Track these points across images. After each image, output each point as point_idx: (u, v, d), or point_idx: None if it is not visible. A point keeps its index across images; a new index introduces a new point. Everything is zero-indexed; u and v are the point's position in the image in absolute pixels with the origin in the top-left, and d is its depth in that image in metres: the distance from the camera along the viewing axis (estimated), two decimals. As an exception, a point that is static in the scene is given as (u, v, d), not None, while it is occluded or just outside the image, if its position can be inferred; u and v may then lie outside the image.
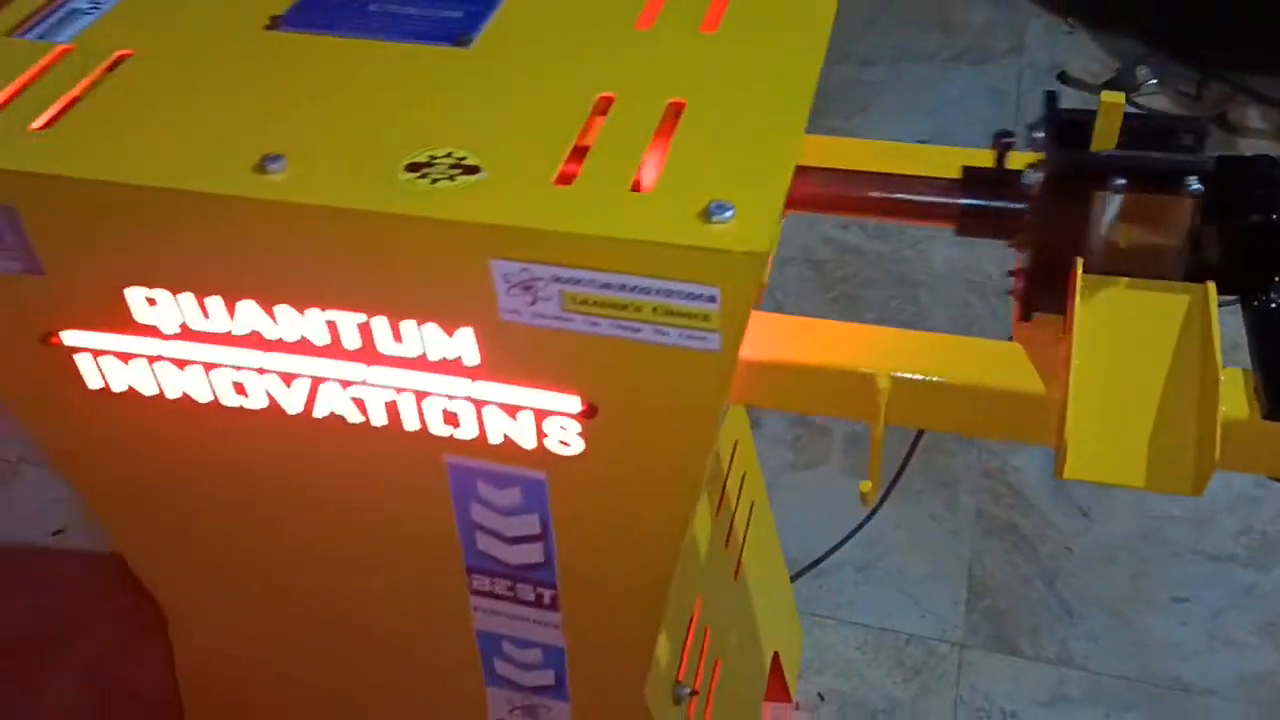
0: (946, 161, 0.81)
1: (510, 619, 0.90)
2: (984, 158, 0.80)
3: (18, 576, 1.57)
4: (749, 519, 1.23)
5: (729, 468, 1.16)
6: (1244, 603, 1.45)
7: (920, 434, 1.67)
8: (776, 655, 1.32)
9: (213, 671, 1.05)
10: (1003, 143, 0.78)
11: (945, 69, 2.40)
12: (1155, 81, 2.26)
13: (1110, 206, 0.74)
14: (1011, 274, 0.79)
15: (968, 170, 0.79)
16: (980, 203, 0.79)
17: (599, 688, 0.94)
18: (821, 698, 1.39)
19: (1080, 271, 0.73)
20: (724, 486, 1.15)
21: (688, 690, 1.00)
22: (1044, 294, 0.76)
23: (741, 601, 1.21)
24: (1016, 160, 0.79)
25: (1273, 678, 1.37)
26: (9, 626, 1.51)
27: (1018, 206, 0.76)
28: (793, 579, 1.47)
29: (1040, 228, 0.76)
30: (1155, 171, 0.72)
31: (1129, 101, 2.09)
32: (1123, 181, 0.72)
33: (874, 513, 1.57)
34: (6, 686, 1.44)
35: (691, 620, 1.04)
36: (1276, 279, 0.74)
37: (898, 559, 1.53)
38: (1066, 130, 0.76)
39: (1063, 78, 2.33)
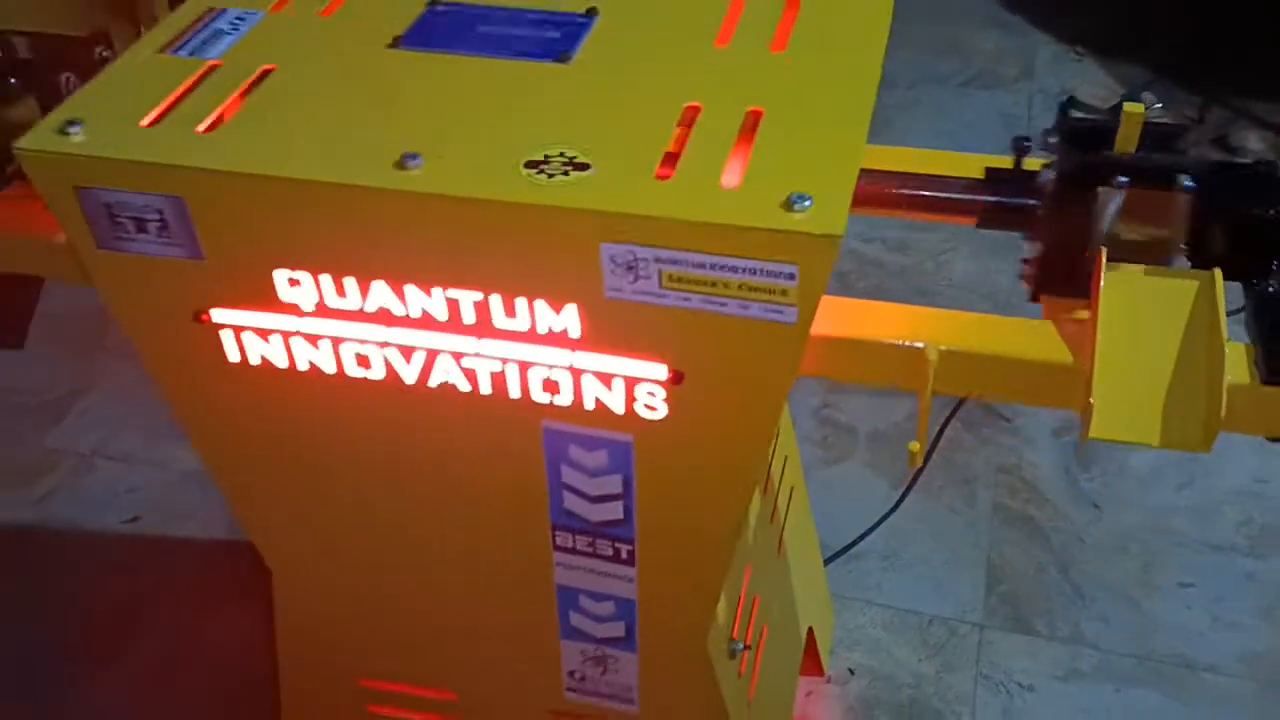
0: (970, 165, 0.92)
1: (588, 573, 1.01)
2: (1003, 161, 0.92)
3: (96, 559, 1.68)
4: (790, 500, 1.34)
5: (773, 452, 1.27)
6: (1244, 588, 1.56)
7: (940, 433, 1.78)
8: (811, 631, 1.43)
9: (311, 622, 1.16)
10: (1021, 146, 0.90)
11: (959, 93, 2.52)
12: (1160, 106, 2.37)
13: (1114, 202, 0.85)
14: (1024, 262, 0.90)
15: (990, 170, 0.90)
16: (1000, 199, 0.90)
17: (664, 640, 1.05)
18: (851, 672, 1.49)
19: (1104, 260, 0.84)
20: (769, 469, 1.25)
21: (741, 645, 1.11)
22: (1053, 280, 0.87)
23: (783, 575, 1.31)
24: (1032, 164, 0.91)
25: (1271, 655, 1.48)
26: (88, 604, 1.61)
27: (1032, 202, 0.88)
28: (827, 562, 1.57)
29: (1052, 221, 0.87)
30: (1153, 171, 0.84)
31: None
32: (1125, 179, 0.83)
33: (898, 505, 1.68)
34: (86, 659, 1.54)
35: (744, 585, 1.15)
36: (1274, 266, 0.84)
37: (921, 547, 1.63)
38: (1076, 136, 0.87)
39: (1071, 103, 2.45)
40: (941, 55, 2.65)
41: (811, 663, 1.47)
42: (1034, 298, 0.89)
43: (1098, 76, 2.54)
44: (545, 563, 1.01)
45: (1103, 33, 2.66)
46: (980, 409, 1.82)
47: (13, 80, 0.96)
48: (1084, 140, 0.88)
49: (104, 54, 0.97)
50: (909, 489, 1.70)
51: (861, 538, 1.64)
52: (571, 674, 1.11)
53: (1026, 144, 0.91)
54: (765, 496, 1.24)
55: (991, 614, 1.54)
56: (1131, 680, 1.46)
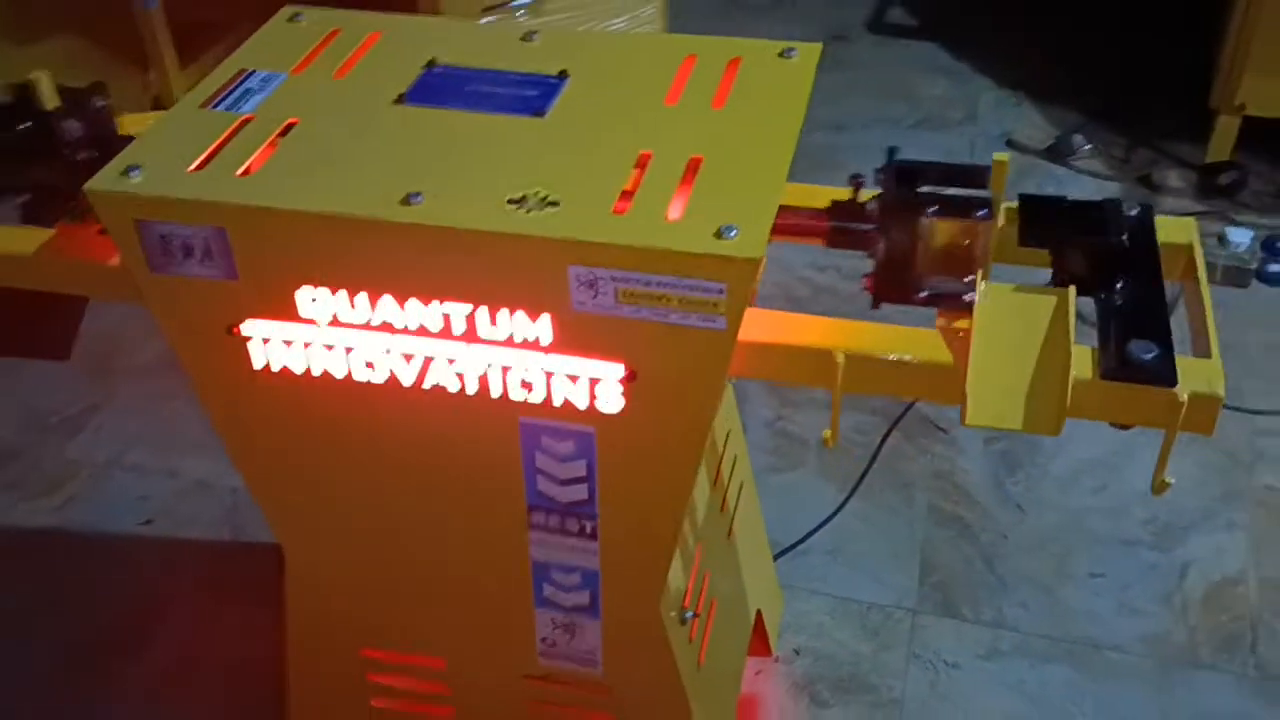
0: (819, 196, 1.11)
1: (559, 549, 1.18)
2: (845, 194, 1.10)
3: (113, 559, 1.83)
4: (739, 494, 1.51)
5: (723, 450, 1.45)
6: (1148, 578, 1.74)
7: (883, 443, 1.96)
8: (759, 614, 1.60)
9: (318, 597, 1.32)
10: (856, 182, 1.08)
11: (909, 134, 2.72)
12: (1089, 147, 2.59)
13: (929, 227, 1.03)
14: (865, 276, 1.08)
15: (834, 202, 1.09)
16: (840, 224, 1.08)
17: (623, 607, 1.21)
18: (797, 653, 1.66)
19: (980, 279, 1.03)
20: (719, 464, 1.43)
21: (691, 613, 1.28)
22: (887, 290, 1.06)
23: (732, 558, 1.49)
24: (866, 195, 1.09)
25: (1168, 637, 1.66)
26: (106, 601, 1.76)
27: (866, 227, 1.06)
28: (775, 558, 1.75)
29: (882, 241, 1.05)
30: (954, 203, 1.02)
31: (1067, 165, 2.45)
32: (935, 209, 1.02)
33: (842, 506, 1.86)
34: (106, 653, 1.69)
35: (695, 562, 1.32)
36: (1117, 285, 1.03)
37: (862, 544, 1.81)
38: (900, 174, 1.06)
39: (1010, 144, 2.66)
40: (893, 100, 2.86)
41: (761, 644, 1.64)
42: (875, 305, 1.08)
43: (1035, 120, 2.75)
44: (522, 539, 1.18)
45: (1040, 80, 2.87)
46: (919, 421, 2.01)
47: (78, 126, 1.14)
48: (904, 177, 1.06)
49: (99, 103, 1.14)
50: (853, 493, 1.88)
51: (809, 535, 1.81)
52: (544, 640, 1.27)
53: (860, 180, 1.09)
54: (715, 488, 1.42)
55: (923, 601, 1.72)
56: (1045, 658, 1.64)
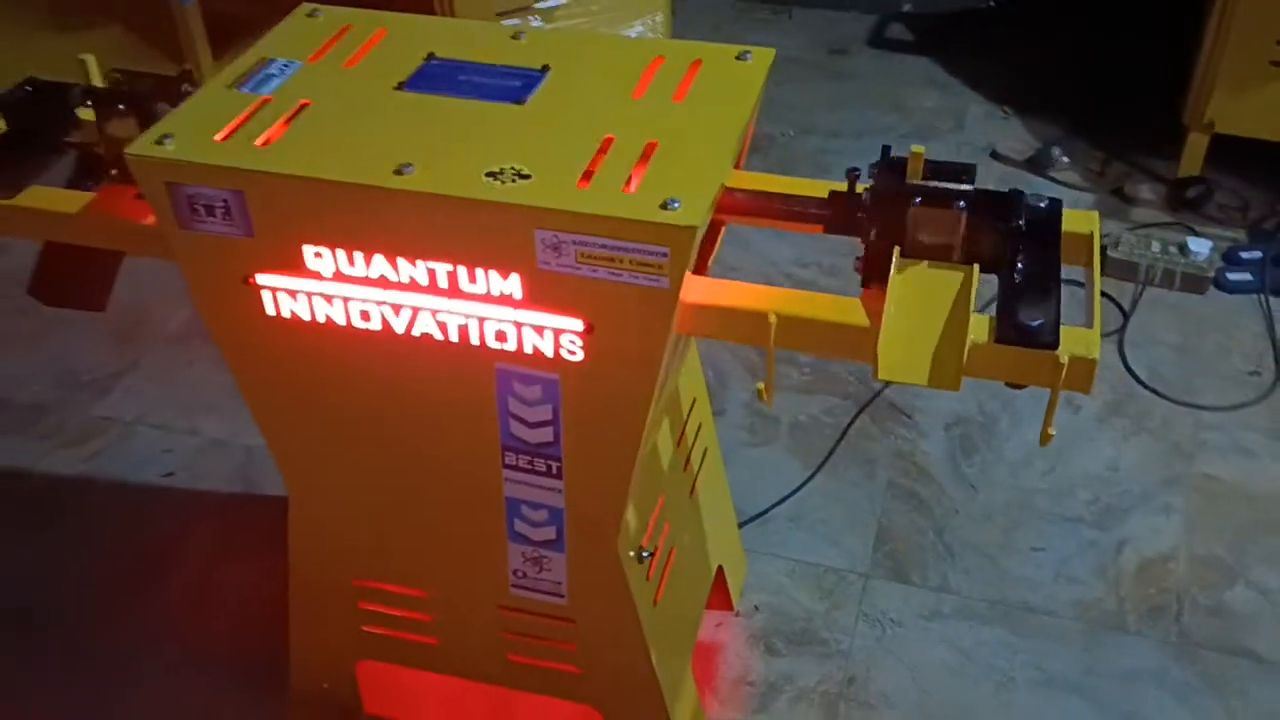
0: (820, 189, 1.26)
1: (528, 486, 1.33)
2: (842, 186, 1.25)
3: (136, 509, 1.99)
4: (703, 458, 1.66)
5: (688, 416, 1.60)
6: (1086, 552, 1.88)
7: (850, 424, 2.11)
8: (721, 570, 1.75)
9: (317, 531, 1.48)
10: (852, 175, 1.23)
11: (900, 143, 2.83)
12: (1067, 160, 2.73)
13: (914, 215, 1.18)
14: (857, 259, 1.23)
15: (831, 192, 1.24)
16: (838, 212, 1.23)
17: (586, 541, 1.37)
18: (756, 608, 1.81)
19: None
20: (684, 427, 1.58)
21: (648, 553, 1.43)
22: (875, 271, 1.20)
23: (694, 515, 1.64)
24: (861, 188, 1.24)
25: (1098, 604, 1.80)
26: (131, 544, 1.93)
27: (859, 215, 1.21)
28: (742, 525, 1.89)
29: (873, 228, 1.20)
30: (937, 194, 1.17)
31: (1045, 175, 2.62)
32: (919, 199, 1.17)
33: (808, 481, 2.00)
34: (127, 589, 1.86)
35: (655, 510, 1.48)
36: (1016, 264, 1.18)
37: (823, 514, 1.95)
38: (890, 167, 1.20)
39: (994, 154, 2.80)
40: (887, 111, 3.00)
41: (723, 600, 1.79)
42: (864, 285, 1.22)
43: (1019, 132, 2.89)
44: (497, 478, 1.34)
45: (1026, 96, 3.01)
46: (886, 406, 2.15)
47: (120, 105, 1.30)
48: (893, 170, 1.21)
49: (187, 89, 1.31)
50: (819, 468, 2.03)
51: (776, 505, 1.96)
52: (515, 572, 1.43)
53: (856, 173, 1.24)
54: (679, 448, 1.57)
55: (876, 567, 1.86)
56: (983, 619, 1.78)
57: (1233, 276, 2.38)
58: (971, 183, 1.19)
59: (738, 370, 2.21)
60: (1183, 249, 2.40)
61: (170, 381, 2.24)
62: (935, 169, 1.21)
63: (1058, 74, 3.13)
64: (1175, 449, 2.06)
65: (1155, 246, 2.42)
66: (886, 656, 1.73)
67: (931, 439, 2.09)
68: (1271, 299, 2.35)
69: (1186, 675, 1.70)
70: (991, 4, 3.47)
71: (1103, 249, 2.45)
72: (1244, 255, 2.42)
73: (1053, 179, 2.71)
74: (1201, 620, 1.78)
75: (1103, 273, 2.40)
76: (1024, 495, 1.98)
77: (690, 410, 1.61)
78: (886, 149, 1.25)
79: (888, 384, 1.96)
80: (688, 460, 1.61)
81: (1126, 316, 2.33)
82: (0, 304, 2.44)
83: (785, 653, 1.74)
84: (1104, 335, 2.29)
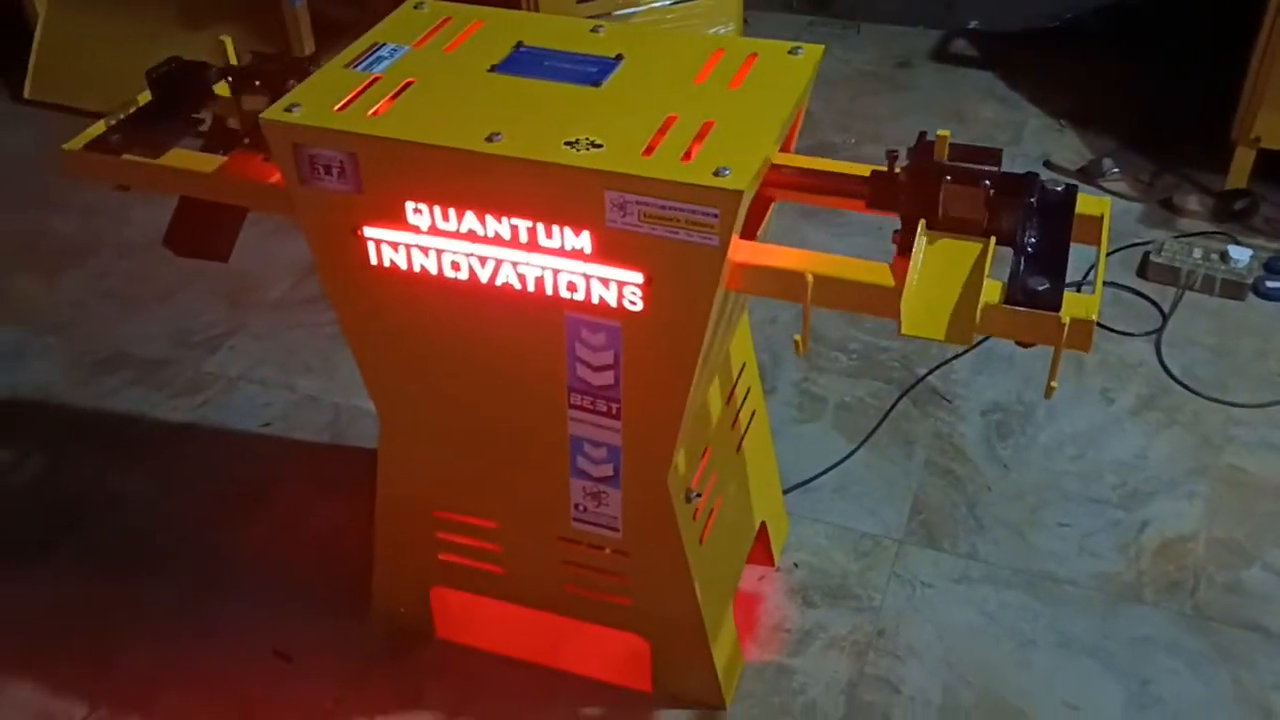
0: (861, 169, 1.41)
1: (591, 425, 1.50)
2: (884, 168, 1.40)
3: (236, 453, 2.21)
4: (750, 419, 1.82)
5: (737, 378, 1.76)
6: (1109, 530, 2.00)
7: (893, 407, 2.25)
8: (764, 525, 1.90)
9: (404, 464, 1.66)
10: (891, 155, 1.38)
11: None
12: (1118, 170, 2.84)
13: (945, 192, 1.33)
14: (895, 232, 1.38)
15: (873, 172, 1.39)
16: (877, 189, 1.39)
17: (639, 479, 1.53)
18: (796, 565, 1.96)
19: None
20: (734, 388, 1.75)
21: (696, 494, 1.60)
22: (911, 243, 1.35)
23: (740, 469, 1.79)
24: (899, 168, 1.39)
25: (1118, 577, 1.92)
26: (231, 482, 2.14)
27: (897, 192, 1.36)
28: (788, 491, 2.05)
29: (909, 203, 1.35)
30: (965, 174, 1.32)
31: (1096, 185, 2.77)
32: (949, 178, 1.32)
33: (850, 455, 2.15)
34: (229, 521, 2.07)
35: (703, 459, 1.64)
36: (1029, 238, 1.32)
37: (864, 486, 2.10)
38: (923, 149, 1.36)
39: (1047, 164, 2.93)
40: (947, 121, 3.13)
41: (766, 556, 1.94)
42: (901, 254, 1.37)
43: (1073, 144, 3.01)
44: (563, 417, 1.51)
45: (1082, 110, 3.13)
46: (928, 391, 2.29)
47: (256, 81, 1.50)
48: (925, 153, 1.36)
49: (311, 67, 1.51)
50: (861, 444, 2.17)
51: (820, 475, 2.11)
52: (576, 506, 1.60)
53: (895, 153, 1.39)
54: (729, 406, 1.73)
55: (910, 534, 2.00)
56: (1008, 585, 1.91)
57: (1272, 284, 2.48)
58: (998, 165, 1.34)
59: (789, 354, 2.37)
60: (1224, 256, 2.50)
61: (271, 344, 2.46)
62: (963, 152, 1.36)
63: (1113, 91, 3.24)
64: (1204, 441, 2.17)
65: (1197, 253, 2.53)
66: (915, 614, 1.87)
67: (969, 422, 2.22)
68: (1309, 307, 2.44)
69: (1198, 645, 1.82)
70: (1055, 24, 3.59)
71: (1145, 254, 2.58)
72: (1285, 265, 2.52)
73: (1103, 188, 2.82)
74: (1216, 596, 1.89)
75: (1145, 277, 2.54)
76: (1054, 477, 2.10)
77: (739, 374, 1.77)
78: (923, 134, 1.40)
79: (911, 339, 2.08)
80: (735, 419, 1.77)
81: (1165, 318, 2.44)
82: (128, 271, 2.70)
83: (820, 605, 1.89)
84: (1142, 335, 2.42)
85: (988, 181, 1.32)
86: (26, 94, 3.35)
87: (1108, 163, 2.84)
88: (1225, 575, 1.92)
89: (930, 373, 2.32)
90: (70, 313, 2.57)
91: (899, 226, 1.37)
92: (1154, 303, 2.49)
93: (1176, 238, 2.62)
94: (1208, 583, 1.91)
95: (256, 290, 2.60)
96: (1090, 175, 2.84)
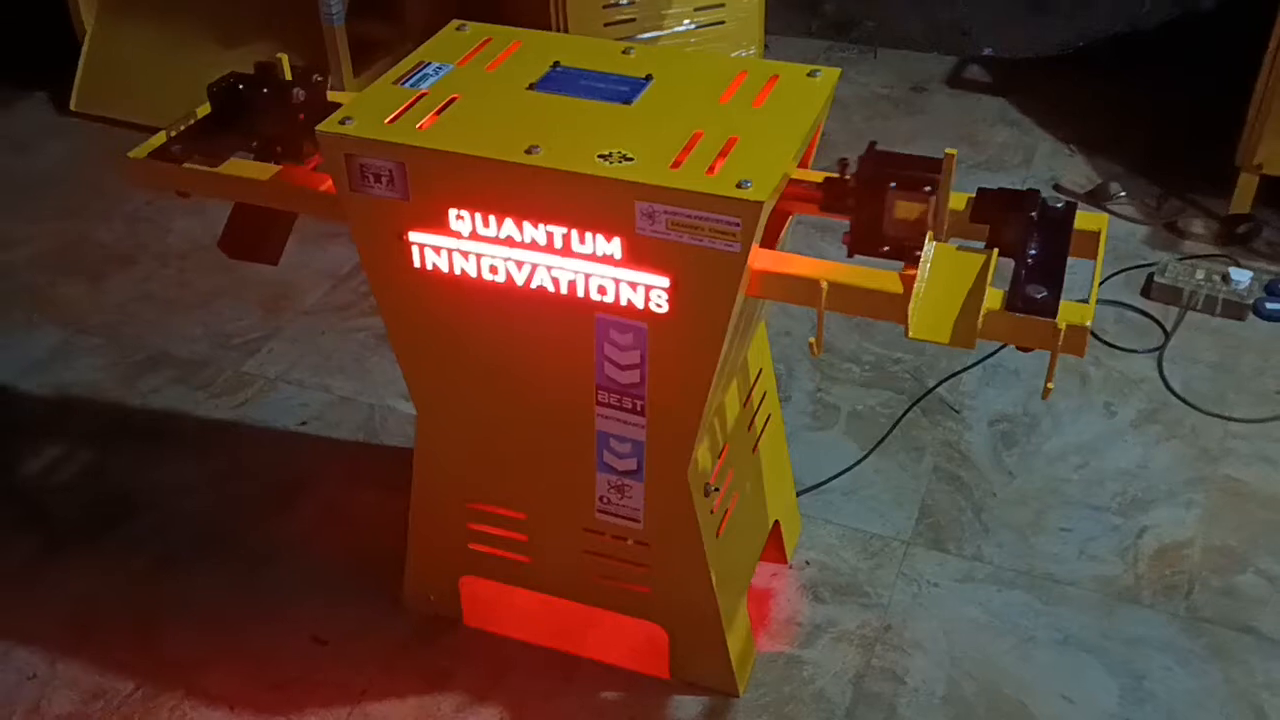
0: (819, 176, 1.50)
1: (617, 421, 1.60)
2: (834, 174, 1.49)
3: (274, 449, 2.31)
4: (766, 423, 1.92)
5: (754, 382, 1.86)
6: (1109, 536, 2.08)
7: (903, 416, 2.34)
8: (778, 524, 2.00)
9: (438, 456, 1.77)
10: (842, 163, 1.47)
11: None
12: (1125, 194, 2.94)
13: (891, 198, 1.42)
14: (845, 234, 1.47)
15: (826, 178, 1.48)
16: (829, 193, 1.48)
17: (661, 473, 1.63)
18: (807, 563, 2.05)
19: (929, 238, 1.43)
20: (751, 391, 1.84)
21: (714, 488, 1.69)
22: (860, 244, 1.44)
23: (755, 469, 1.89)
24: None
25: (1117, 580, 2.00)
26: (269, 478, 2.24)
27: (846, 197, 1.45)
28: (801, 493, 2.14)
29: (858, 207, 1.44)
30: (908, 181, 1.41)
31: (1103, 207, 2.87)
32: (894, 185, 1.41)
33: (861, 460, 2.24)
34: (264, 513, 2.17)
35: (721, 456, 1.73)
36: (1030, 250, 1.42)
37: (874, 490, 2.19)
38: (874, 158, 1.44)
39: (1056, 186, 3.02)
40: (959, 144, 3.23)
41: (779, 554, 2.04)
42: (849, 255, 1.46)
43: (1082, 168, 3.11)
44: (590, 413, 1.61)
45: (1091, 135, 3.23)
46: (937, 402, 2.39)
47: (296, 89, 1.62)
48: (876, 160, 1.45)
49: (317, 78, 1.62)
50: (872, 450, 2.27)
51: (832, 479, 2.20)
52: (601, 498, 1.70)
53: (845, 161, 1.48)
54: (745, 408, 1.83)
55: (917, 536, 2.09)
56: (1010, 585, 1.99)
57: (1272, 305, 2.56)
58: (939, 174, 1.42)
59: (804, 364, 2.47)
60: (1225, 278, 2.59)
61: (306, 347, 2.57)
62: (910, 162, 1.44)
63: (1123, 118, 3.34)
64: (1203, 453, 2.25)
65: (1200, 274, 2.62)
66: (921, 611, 1.96)
67: (976, 431, 2.31)
68: (1308, 327, 2.53)
69: (1192, 645, 1.90)
70: (1067, 52, 3.70)
71: (1150, 275, 2.67)
72: (1285, 287, 2.61)
73: (1111, 211, 2.92)
74: (1210, 599, 1.97)
75: (1149, 296, 2.63)
76: (1057, 484, 2.19)
77: (756, 379, 1.87)
78: (873, 144, 1.48)
79: (917, 341, 2.16)
80: (752, 422, 1.86)
81: (1168, 336, 2.53)
82: (169, 278, 2.82)
83: (830, 601, 1.98)
84: (1145, 351, 2.51)
85: (928, 188, 1.41)
86: (73, 106, 3.48)
87: (1115, 186, 2.94)
88: (1220, 580, 2.01)
89: (940, 384, 2.42)
90: (115, 315, 2.69)
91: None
92: (1157, 321, 2.58)
93: (1180, 259, 2.71)
94: (1202, 586, 1.99)
95: (292, 297, 2.71)
96: (1098, 198, 2.94)
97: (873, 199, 1.42)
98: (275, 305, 2.69)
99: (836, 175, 1.47)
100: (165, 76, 3.31)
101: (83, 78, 3.49)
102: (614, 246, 1.43)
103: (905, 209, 1.42)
